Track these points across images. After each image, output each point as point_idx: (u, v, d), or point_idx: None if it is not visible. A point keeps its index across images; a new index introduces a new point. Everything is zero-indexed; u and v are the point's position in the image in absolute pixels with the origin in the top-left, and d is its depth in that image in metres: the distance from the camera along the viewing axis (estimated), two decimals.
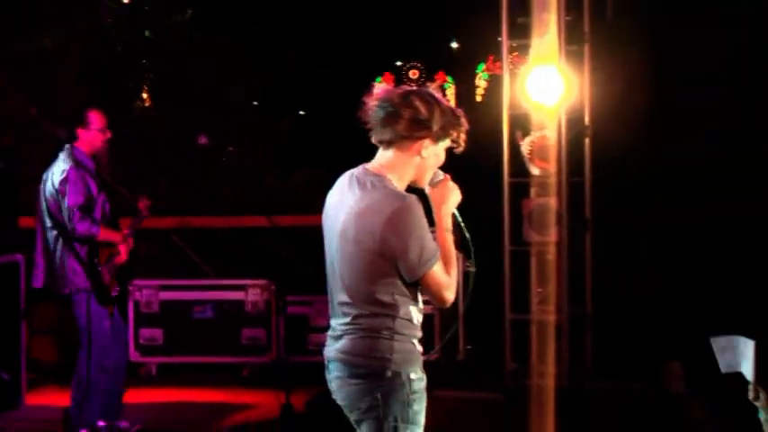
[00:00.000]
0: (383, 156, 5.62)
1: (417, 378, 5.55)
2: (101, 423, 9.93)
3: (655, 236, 14.74)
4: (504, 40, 12.80)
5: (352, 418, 5.64)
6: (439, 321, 12.87)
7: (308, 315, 12.80)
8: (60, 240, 9.72)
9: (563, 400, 11.63)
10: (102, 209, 9.81)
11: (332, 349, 5.65)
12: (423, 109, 5.51)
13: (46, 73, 14.43)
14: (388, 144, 5.59)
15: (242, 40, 17.02)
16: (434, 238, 5.58)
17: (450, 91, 33.32)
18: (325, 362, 5.73)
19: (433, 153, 5.61)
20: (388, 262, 5.42)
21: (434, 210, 5.70)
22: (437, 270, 5.47)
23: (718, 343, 8.66)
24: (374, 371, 5.47)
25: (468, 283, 6.08)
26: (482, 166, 13.44)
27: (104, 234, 9.69)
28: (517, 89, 12.44)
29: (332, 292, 5.70)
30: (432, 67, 33.84)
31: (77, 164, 9.72)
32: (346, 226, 5.53)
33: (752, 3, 17.13)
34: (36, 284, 10.00)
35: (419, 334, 5.65)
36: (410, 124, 5.51)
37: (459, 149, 5.70)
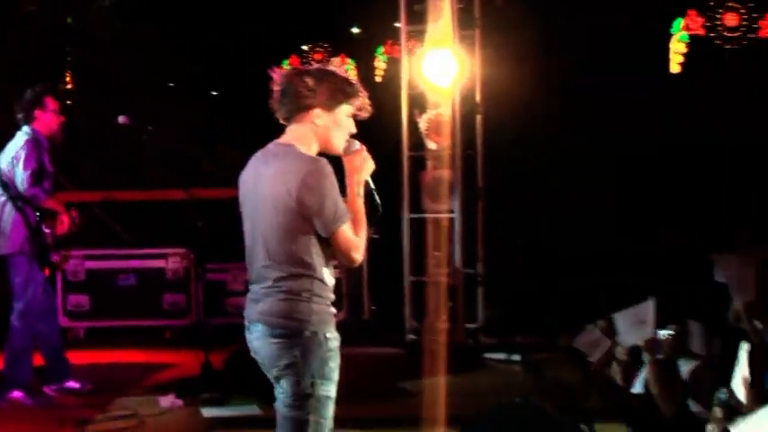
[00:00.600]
0: (289, 130, 5.75)
1: (333, 337, 5.64)
2: (48, 390, 10.09)
3: (540, 203, 15.12)
4: (403, 25, 12.98)
5: (272, 374, 5.72)
6: (346, 285, 13.03)
7: (225, 281, 12.90)
8: (9, 204, 9.82)
9: (457, 352, 11.96)
10: (52, 183, 9.96)
11: (253, 311, 5.72)
12: (309, 81, 5.65)
13: None
14: (287, 119, 5.75)
15: (160, 26, 16.98)
16: (345, 202, 5.62)
17: (353, 72, 33.39)
18: (246, 323, 5.79)
19: (330, 120, 5.69)
20: (306, 221, 5.51)
21: (347, 176, 5.74)
22: (347, 229, 5.54)
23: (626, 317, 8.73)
24: (294, 331, 5.56)
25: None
26: (382, 141, 13.65)
27: (50, 203, 9.85)
28: (414, 71, 12.63)
29: (252, 259, 5.77)
30: (335, 51, 33.87)
31: (35, 140, 9.88)
32: (265, 193, 5.62)
33: None
34: None
35: (332, 296, 5.75)
36: (298, 96, 5.65)
37: (364, 115, 5.81)
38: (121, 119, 10.16)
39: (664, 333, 8.77)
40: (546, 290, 13.59)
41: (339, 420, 9.07)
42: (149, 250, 13.08)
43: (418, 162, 12.91)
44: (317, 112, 5.66)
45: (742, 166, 16.39)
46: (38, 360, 10.28)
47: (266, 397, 9.24)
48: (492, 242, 13.07)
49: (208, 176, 16.06)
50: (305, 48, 33.79)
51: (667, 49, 29.05)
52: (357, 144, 5.80)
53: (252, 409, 9.48)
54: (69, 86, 15.34)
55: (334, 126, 5.72)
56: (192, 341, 12.19)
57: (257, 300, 5.71)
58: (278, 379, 5.71)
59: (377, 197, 5.88)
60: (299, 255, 5.54)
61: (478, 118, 12.97)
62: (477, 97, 12.93)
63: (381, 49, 31.39)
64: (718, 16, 29.25)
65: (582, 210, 15.40)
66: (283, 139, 5.76)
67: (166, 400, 9.95)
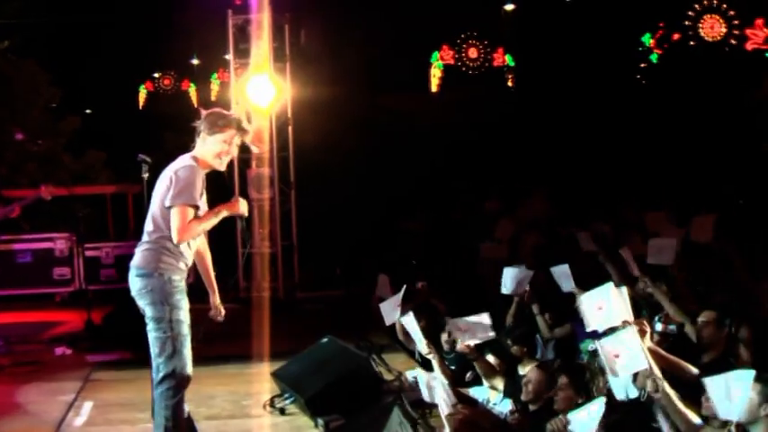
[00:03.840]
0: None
1: (177, 279, 5.87)
2: None
3: (337, 191, 15.26)
4: (232, 58, 12.96)
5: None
6: None
7: (100, 257, 12.69)
8: None
9: (279, 304, 12.00)
10: None
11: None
12: (211, 116, 5.91)
13: None
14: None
15: (44, 61, 16.61)
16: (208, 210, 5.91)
17: (193, 92, 33.08)
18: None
19: (210, 141, 5.86)
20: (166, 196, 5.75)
21: (225, 205, 5.98)
22: (184, 213, 5.69)
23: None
24: (150, 272, 5.82)
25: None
26: None
27: None
28: (241, 93, 12.60)
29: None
30: (179, 77, 33.51)
31: None
32: (160, 179, 5.86)
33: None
34: None
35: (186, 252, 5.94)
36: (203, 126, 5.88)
37: (246, 138, 6.09)
38: (18, 135, 9.90)
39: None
40: (341, 254, 13.74)
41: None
42: (41, 235, 12.75)
43: (245, 162, 12.84)
44: (204, 135, 5.90)
45: None
46: None
47: (136, 344, 9.24)
48: (302, 221, 13.07)
49: (83, 177, 15.76)
50: (156, 75, 33.43)
51: (428, 74, 29.53)
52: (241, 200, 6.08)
53: (125, 354, 9.34)
54: None
55: (213, 146, 5.89)
56: (76, 304, 12.02)
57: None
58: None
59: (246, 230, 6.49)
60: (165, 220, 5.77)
61: (290, 128, 12.96)
62: (289, 113, 12.91)
63: (215, 75, 31.27)
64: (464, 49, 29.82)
65: (363, 196, 15.64)
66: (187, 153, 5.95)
67: (60, 350, 9.82)
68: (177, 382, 5.83)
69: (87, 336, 10.31)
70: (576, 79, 23.79)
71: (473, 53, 30.48)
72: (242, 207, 6.04)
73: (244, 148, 12.51)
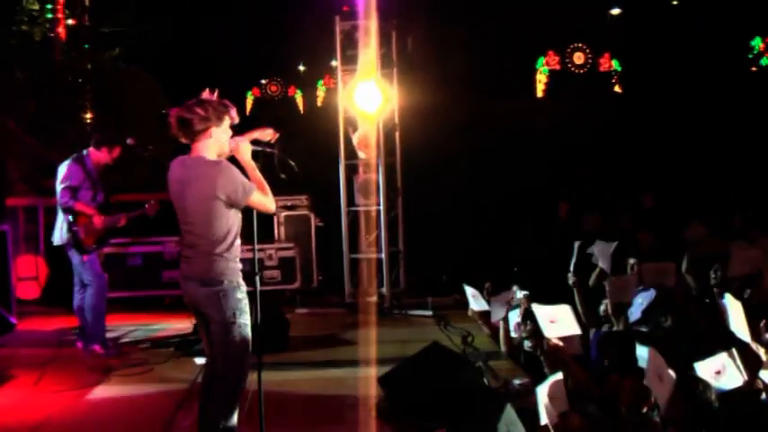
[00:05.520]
0: (195, 147, 5.97)
1: (242, 283, 5.97)
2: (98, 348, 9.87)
3: (445, 198, 15.18)
4: (339, 65, 12.92)
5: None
6: (299, 261, 12.98)
7: None
8: (59, 210, 9.74)
9: (384, 310, 11.99)
10: (93, 195, 9.79)
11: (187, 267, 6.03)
12: (201, 111, 5.91)
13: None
14: (192, 140, 5.96)
15: (149, 67, 16.84)
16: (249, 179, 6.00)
17: (300, 99, 33.35)
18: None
19: (221, 132, 5.98)
20: (224, 203, 5.84)
21: (241, 161, 6.10)
22: (257, 195, 5.93)
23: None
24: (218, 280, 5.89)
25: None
26: (324, 153, 13.62)
27: (80, 206, 9.63)
28: (348, 99, 12.61)
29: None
30: (286, 83, 33.79)
31: (79, 161, 9.76)
32: (188, 191, 5.90)
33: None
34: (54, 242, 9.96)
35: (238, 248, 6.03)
36: (197, 123, 5.91)
37: (235, 119, 6.10)
38: (129, 140, 10.05)
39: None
40: (448, 262, 13.65)
41: (296, 364, 9.11)
42: (151, 238, 12.89)
43: (352, 168, 12.92)
44: (213, 129, 5.93)
45: None
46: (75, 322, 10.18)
47: None
48: (409, 227, 13.04)
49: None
50: (263, 81, 33.77)
51: (534, 79, 29.29)
52: (234, 140, 6.12)
53: None
54: (90, 116, 15.10)
55: (224, 135, 6.02)
56: (184, 307, 12.02)
57: (187, 261, 6.04)
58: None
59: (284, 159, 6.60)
60: (216, 230, 5.89)
61: (397, 134, 12.90)
62: (396, 119, 12.86)
63: (321, 82, 31.50)
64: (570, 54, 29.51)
65: (469, 202, 15.55)
66: (194, 153, 5.98)
67: (168, 352, 9.90)
68: (234, 386, 5.98)
69: (195, 339, 10.37)
70: (684, 83, 23.36)
71: (579, 58, 30.13)
72: (241, 145, 6.15)
73: (351, 155, 12.67)
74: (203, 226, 5.90)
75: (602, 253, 9.14)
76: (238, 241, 5.99)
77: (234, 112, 6.08)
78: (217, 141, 5.98)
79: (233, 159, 6.12)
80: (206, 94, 6.03)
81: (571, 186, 16.05)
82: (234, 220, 5.93)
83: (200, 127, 5.91)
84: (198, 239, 5.94)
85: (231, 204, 5.87)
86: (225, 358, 5.95)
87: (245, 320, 5.93)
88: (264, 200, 6.02)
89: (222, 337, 5.91)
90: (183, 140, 6.00)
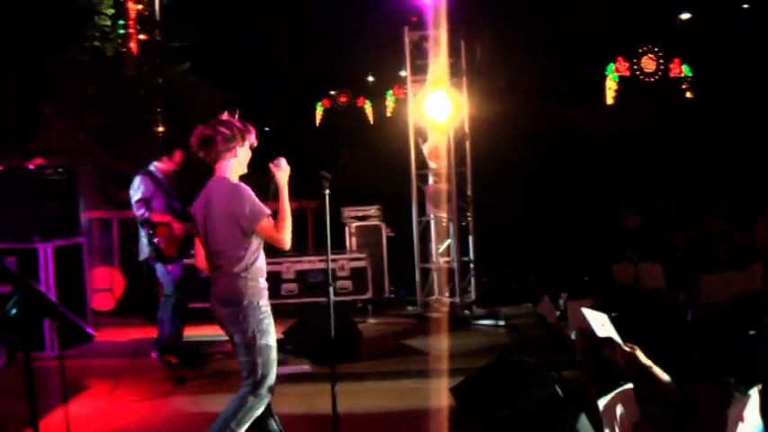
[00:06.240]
0: (218, 167, 6.01)
1: (264, 303, 5.97)
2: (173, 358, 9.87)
3: (516, 207, 15.10)
4: (409, 75, 12.92)
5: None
6: (371, 271, 12.96)
7: (280, 271, 12.73)
8: (139, 226, 9.84)
9: (456, 320, 11.92)
10: (166, 203, 9.86)
11: (213, 287, 6.03)
12: (226, 131, 5.95)
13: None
14: (215, 160, 6.00)
15: (218, 80, 16.97)
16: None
17: (369, 109, 33.42)
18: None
19: (243, 152, 6.02)
20: (238, 224, 5.83)
21: (277, 180, 5.97)
22: (266, 223, 5.82)
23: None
24: (240, 300, 5.90)
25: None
26: (395, 163, 13.63)
27: (156, 217, 9.69)
28: (417, 109, 12.64)
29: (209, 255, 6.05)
30: (355, 94, 33.88)
31: (147, 173, 9.85)
32: (209, 212, 5.95)
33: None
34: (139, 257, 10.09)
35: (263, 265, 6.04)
36: (221, 144, 5.95)
37: (254, 144, 6.09)
38: (200, 153, 10.09)
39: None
40: (521, 272, 13.56)
41: (368, 374, 9.08)
42: None
43: (423, 178, 12.94)
44: (236, 150, 5.98)
45: None
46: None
47: (316, 358, 9.30)
48: (480, 237, 12.97)
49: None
50: (332, 92, 33.89)
51: (603, 86, 29.05)
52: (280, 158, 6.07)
53: (305, 367, 9.42)
54: (161, 128, 15.29)
55: (245, 156, 6.06)
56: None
57: (214, 281, 6.04)
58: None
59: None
60: (237, 251, 5.89)
61: (467, 144, 12.85)
62: (467, 128, 12.81)
63: (390, 92, 31.52)
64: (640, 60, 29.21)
65: (540, 211, 15.45)
66: (217, 174, 6.04)
67: None
68: (254, 404, 5.96)
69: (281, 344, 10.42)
70: (757, 89, 22.99)
71: (649, 64, 29.80)
72: (281, 175, 6.04)
73: (421, 165, 12.66)
74: (223, 246, 5.92)
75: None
76: (261, 261, 5.99)
77: (253, 136, 6.09)
78: (238, 162, 6.02)
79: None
80: (226, 116, 6.03)
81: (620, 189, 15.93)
82: (252, 239, 5.91)
83: (223, 147, 5.95)
84: (220, 260, 5.96)
85: (240, 226, 5.85)
86: (247, 378, 5.97)
87: (266, 341, 5.94)
88: (276, 232, 5.88)
89: (243, 357, 5.94)
90: (205, 159, 6.04)
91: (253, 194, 5.87)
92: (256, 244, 5.93)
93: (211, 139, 5.94)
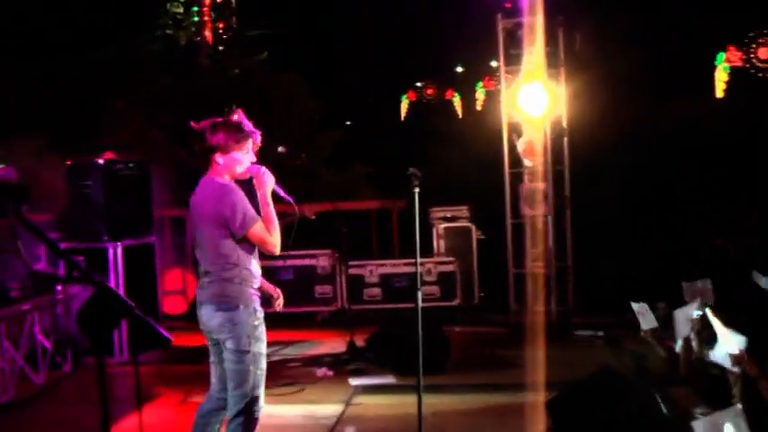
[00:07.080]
0: (210, 168, 5.96)
1: (259, 309, 5.92)
2: None
3: (617, 208, 14.89)
4: (502, 65, 12.85)
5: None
6: (459, 276, 12.93)
7: (363, 275, 12.82)
8: None
9: (552, 330, 11.81)
10: None
11: (202, 293, 5.98)
12: (222, 131, 5.87)
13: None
14: (207, 160, 5.96)
15: (300, 72, 17.03)
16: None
17: (458, 102, 33.35)
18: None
19: (229, 159, 5.90)
20: (227, 228, 5.77)
21: (257, 188, 5.98)
22: (258, 228, 5.78)
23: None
24: (233, 305, 5.84)
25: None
26: (487, 160, 13.57)
27: None
28: (511, 102, 12.56)
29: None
30: (443, 86, 33.83)
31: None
32: (198, 213, 5.94)
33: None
34: None
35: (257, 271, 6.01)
36: (200, 150, 5.94)
37: (256, 147, 6.03)
38: (280, 148, 10.14)
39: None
40: (622, 279, 13.39)
41: (458, 386, 9.06)
42: (303, 251, 13.00)
43: (517, 176, 12.83)
44: (232, 153, 5.91)
45: None
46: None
47: (401, 368, 9.30)
48: (578, 240, 12.86)
49: (345, 192, 15.98)
50: (419, 84, 33.88)
51: (713, 77, 28.62)
52: (261, 168, 6.03)
53: (389, 378, 9.44)
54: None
55: (244, 158, 5.95)
56: (338, 324, 12.35)
57: (202, 287, 5.99)
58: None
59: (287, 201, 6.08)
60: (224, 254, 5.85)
61: (565, 140, 12.77)
62: (564, 123, 12.71)
63: (480, 84, 31.39)
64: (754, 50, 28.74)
65: (649, 214, 15.22)
66: (208, 174, 6.01)
67: (321, 372, 10.00)
68: (248, 420, 5.94)
69: (349, 358, 10.49)
70: None
71: (764, 53, 29.27)
72: (266, 178, 6.02)
73: (515, 162, 12.58)
74: (212, 249, 5.90)
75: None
76: (253, 265, 5.97)
77: (258, 136, 6.02)
78: (233, 163, 5.95)
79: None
80: (233, 116, 6.00)
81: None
82: (244, 243, 5.87)
83: (218, 147, 5.91)
84: (209, 265, 5.94)
85: (229, 230, 5.82)
86: (235, 389, 5.94)
87: (259, 349, 5.91)
88: (268, 237, 5.87)
89: (234, 365, 5.91)
90: (201, 158, 6.03)
91: (243, 197, 5.86)
92: (248, 248, 5.90)
93: (206, 139, 5.94)
